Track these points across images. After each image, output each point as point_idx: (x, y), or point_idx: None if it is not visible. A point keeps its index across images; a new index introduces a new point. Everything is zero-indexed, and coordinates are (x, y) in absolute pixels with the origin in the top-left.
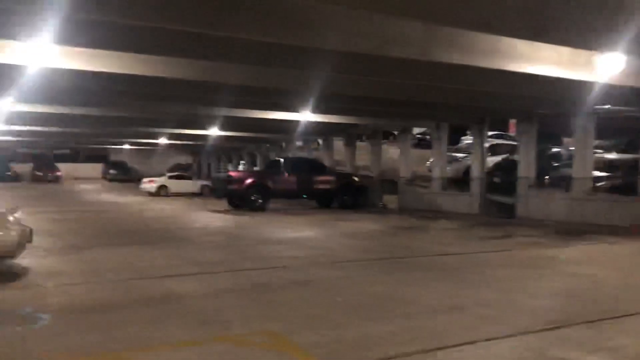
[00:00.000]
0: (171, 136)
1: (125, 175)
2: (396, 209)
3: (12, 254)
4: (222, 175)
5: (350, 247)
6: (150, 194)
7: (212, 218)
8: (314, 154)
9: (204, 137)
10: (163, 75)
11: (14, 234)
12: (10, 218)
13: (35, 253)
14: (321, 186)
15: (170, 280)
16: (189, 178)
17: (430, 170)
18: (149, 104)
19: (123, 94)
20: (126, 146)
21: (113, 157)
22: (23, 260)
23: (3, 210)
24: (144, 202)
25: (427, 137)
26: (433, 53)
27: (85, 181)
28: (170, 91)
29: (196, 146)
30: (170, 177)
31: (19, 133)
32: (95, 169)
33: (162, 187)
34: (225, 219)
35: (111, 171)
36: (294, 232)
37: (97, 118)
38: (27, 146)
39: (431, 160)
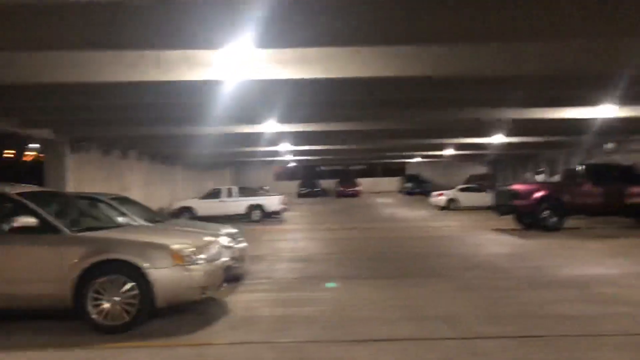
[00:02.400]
0: (458, 146)
1: (419, 188)
2: None
3: (193, 297)
4: (506, 188)
5: None
6: (440, 207)
7: (489, 241)
8: (629, 159)
9: (493, 145)
10: (441, 73)
11: (198, 275)
12: (202, 256)
13: (259, 284)
14: (639, 200)
15: (365, 347)
16: (482, 190)
17: None
18: (428, 112)
19: (390, 104)
20: (417, 159)
21: (409, 171)
22: (234, 296)
23: (204, 242)
24: (429, 217)
25: None
26: None
27: (382, 195)
28: (452, 94)
29: (487, 156)
30: (461, 190)
31: (301, 152)
32: (393, 182)
33: (451, 201)
34: (504, 242)
35: (406, 184)
36: (588, 266)
37: (371, 133)
38: (327, 163)
39: None
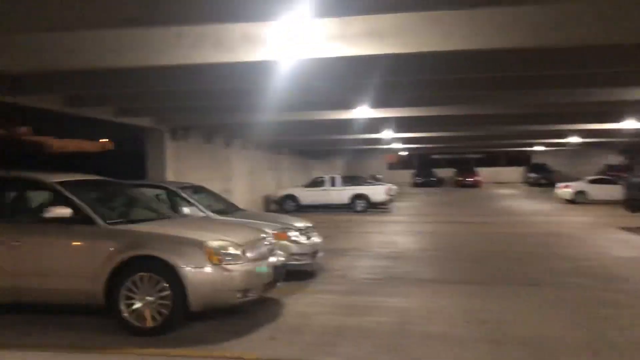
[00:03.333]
0: (585, 133)
1: (545, 179)
2: None
3: (231, 301)
4: (637, 180)
5: None
6: (566, 200)
7: (613, 242)
8: None
9: (627, 132)
10: (544, 43)
11: (237, 275)
12: (247, 254)
13: (329, 284)
14: None
15: None
16: (616, 182)
17: None
18: (547, 94)
19: (502, 84)
20: (538, 147)
21: (534, 160)
22: (295, 297)
23: (250, 239)
24: (551, 211)
25: None
26: None
27: (504, 186)
28: (574, 72)
29: (621, 143)
30: (591, 182)
31: (410, 140)
32: (516, 172)
33: (579, 193)
34: (633, 245)
35: (531, 175)
36: None
37: (483, 118)
38: (442, 152)
39: None
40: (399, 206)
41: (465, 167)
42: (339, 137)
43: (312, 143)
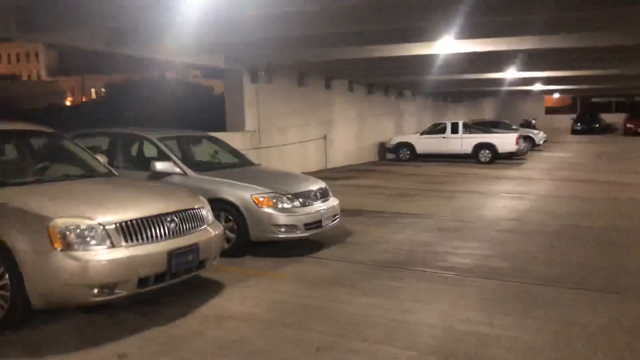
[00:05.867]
0: None
1: None
2: None
3: (82, 298)
4: None
5: None
6: None
7: None
8: None
9: None
10: None
11: (93, 266)
12: (123, 237)
13: (316, 265)
14: None
15: None
16: None
17: None
18: None
19: None
20: None
21: None
22: (246, 283)
23: (140, 214)
24: None
25: None
26: None
27: None
28: None
29: None
30: None
31: (549, 80)
32: None
33: None
34: None
35: None
36: None
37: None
38: (606, 94)
39: None
40: (543, 157)
41: (638, 112)
42: (440, 77)
43: (423, 84)
